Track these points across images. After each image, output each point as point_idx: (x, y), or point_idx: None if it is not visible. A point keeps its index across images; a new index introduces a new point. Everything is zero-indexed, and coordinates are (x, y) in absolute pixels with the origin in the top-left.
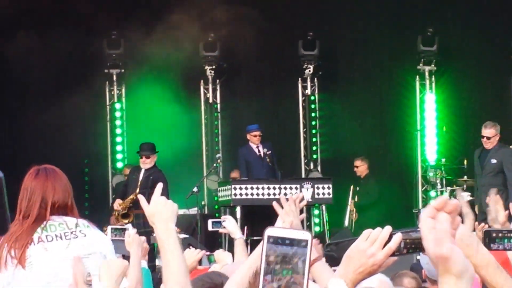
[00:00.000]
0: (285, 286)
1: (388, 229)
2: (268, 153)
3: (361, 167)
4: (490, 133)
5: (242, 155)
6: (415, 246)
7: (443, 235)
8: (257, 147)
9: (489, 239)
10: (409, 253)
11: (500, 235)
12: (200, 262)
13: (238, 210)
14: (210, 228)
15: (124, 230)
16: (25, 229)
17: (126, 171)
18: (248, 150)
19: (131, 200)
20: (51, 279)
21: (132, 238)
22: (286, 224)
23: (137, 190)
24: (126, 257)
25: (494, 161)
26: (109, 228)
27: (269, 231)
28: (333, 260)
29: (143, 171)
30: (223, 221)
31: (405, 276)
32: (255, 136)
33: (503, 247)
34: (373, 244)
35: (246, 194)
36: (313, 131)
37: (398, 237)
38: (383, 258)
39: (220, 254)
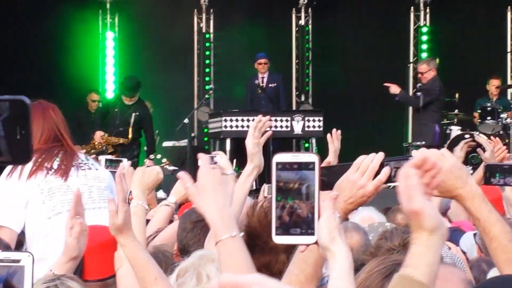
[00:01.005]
0: (288, 212)
1: (379, 158)
2: (272, 85)
3: None
4: (422, 68)
5: (249, 85)
6: None
7: (413, 191)
8: (262, 77)
9: (490, 173)
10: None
11: (500, 169)
12: None
13: (228, 142)
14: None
15: (119, 162)
16: (69, 156)
17: (93, 96)
18: (253, 80)
19: (118, 142)
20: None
21: (126, 171)
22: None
23: (130, 136)
24: None
25: (418, 94)
26: (103, 158)
27: (277, 158)
28: (324, 184)
29: (134, 113)
30: (215, 156)
31: (399, 212)
32: (260, 64)
33: (503, 182)
34: (363, 175)
35: (236, 126)
36: (306, 62)
37: (387, 170)
38: (372, 189)
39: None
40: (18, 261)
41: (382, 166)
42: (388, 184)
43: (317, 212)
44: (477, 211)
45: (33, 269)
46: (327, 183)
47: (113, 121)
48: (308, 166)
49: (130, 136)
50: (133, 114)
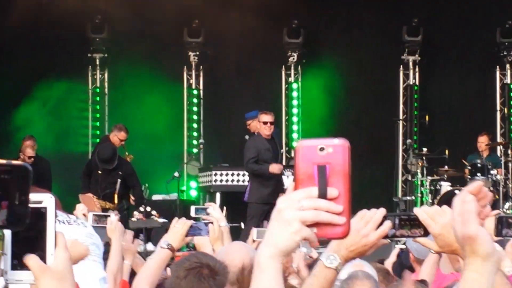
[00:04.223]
0: None
1: (382, 211)
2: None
3: None
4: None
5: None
6: (410, 224)
7: (470, 216)
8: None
9: (502, 225)
10: (402, 235)
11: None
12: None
13: (218, 196)
14: (193, 214)
15: (106, 217)
16: None
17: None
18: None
19: (105, 207)
20: None
21: (114, 226)
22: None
23: (116, 201)
24: (107, 244)
25: None
26: (90, 214)
27: None
28: None
29: (118, 177)
30: (207, 208)
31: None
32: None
33: None
34: (367, 225)
35: (226, 180)
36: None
37: (389, 223)
38: (374, 239)
39: (200, 240)
40: (39, 202)
41: (383, 221)
42: (387, 240)
43: None
44: None
45: (55, 211)
46: None
47: (97, 184)
48: None
49: (116, 201)
50: (118, 181)
